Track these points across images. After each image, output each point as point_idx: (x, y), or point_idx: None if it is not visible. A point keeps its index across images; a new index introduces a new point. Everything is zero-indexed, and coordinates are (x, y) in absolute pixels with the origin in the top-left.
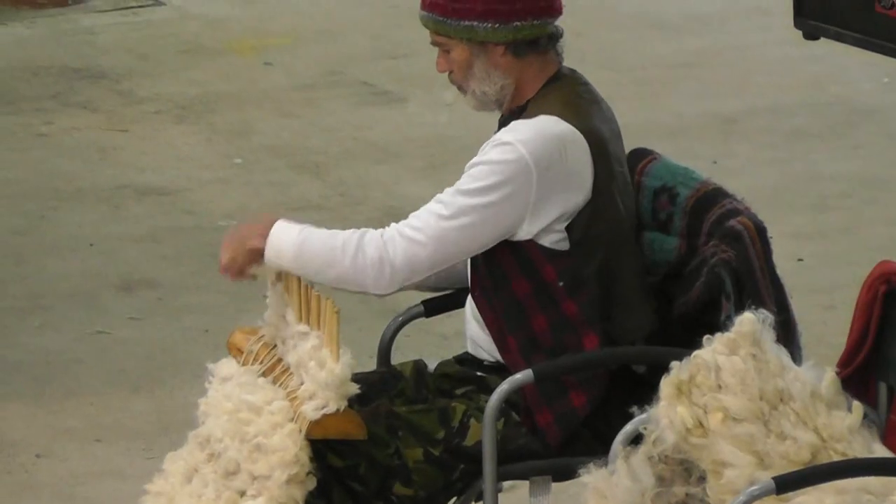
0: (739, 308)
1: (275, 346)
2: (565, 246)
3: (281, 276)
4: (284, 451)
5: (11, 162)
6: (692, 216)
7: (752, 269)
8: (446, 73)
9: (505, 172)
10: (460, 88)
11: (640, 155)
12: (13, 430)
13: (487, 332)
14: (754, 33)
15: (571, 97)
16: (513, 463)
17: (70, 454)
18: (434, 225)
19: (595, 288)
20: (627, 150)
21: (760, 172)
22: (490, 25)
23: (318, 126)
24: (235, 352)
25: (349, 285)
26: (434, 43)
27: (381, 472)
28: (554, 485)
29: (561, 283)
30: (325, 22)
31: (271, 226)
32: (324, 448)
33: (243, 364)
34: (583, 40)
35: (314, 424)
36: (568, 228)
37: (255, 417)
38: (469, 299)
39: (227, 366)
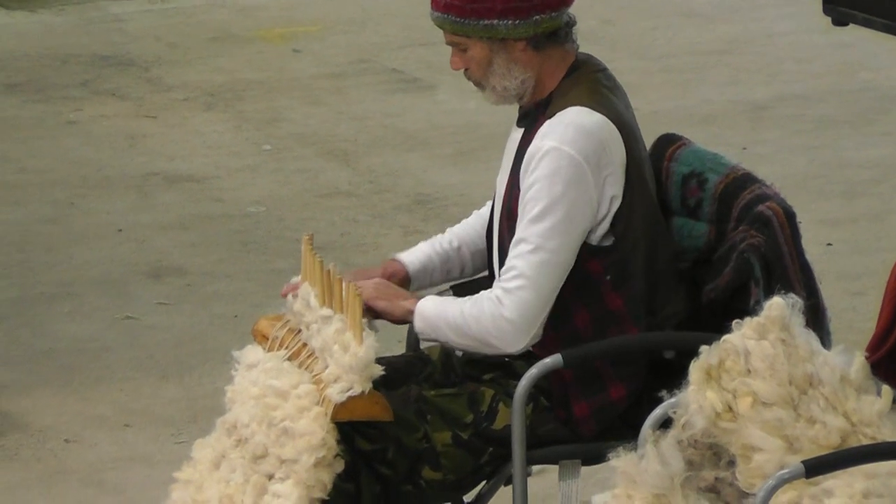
0: (769, 293)
1: (300, 331)
2: (610, 240)
3: (305, 262)
4: (312, 434)
5: (40, 150)
6: (721, 202)
7: (781, 254)
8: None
9: (563, 179)
10: (478, 85)
11: (669, 141)
12: (43, 417)
13: None
14: (783, 21)
15: (594, 85)
16: (541, 447)
17: (99, 440)
18: (526, 264)
19: (641, 280)
20: (656, 136)
21: (790, 159)
22: (510, 22)
23: (347, 113)
24: (261, 338)
25: (483, 350)
26: (450, 43)
27: (410, 457)
28: (583, 469)
29: (608, 277)
30: (354, 10)
31: (414, 298)
32: (351, 432)
33: (269, 350)
34: (613, 28)
35: (340, 407)
36: (612, 221)
37: (281, 402)
38: None
39: (252, 352)
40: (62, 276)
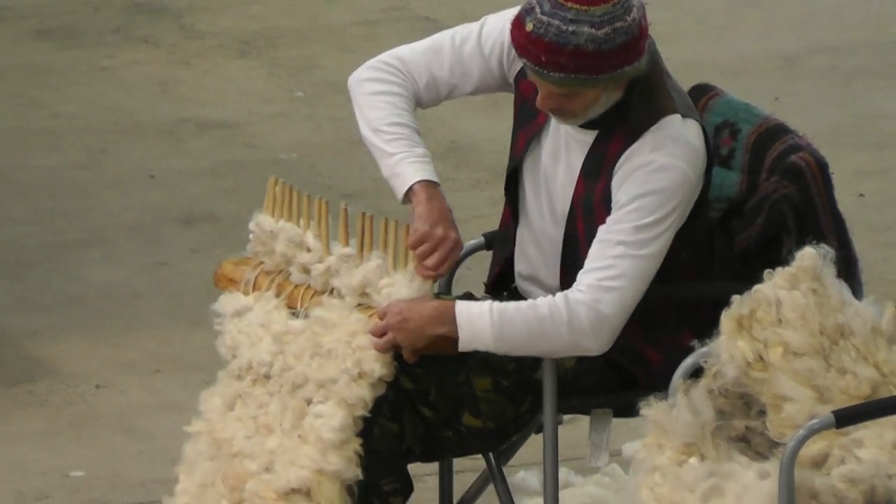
0: (800, 244)
1: (284, 272)
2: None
3: (289, 203)
4: (367, 349)
5: (73, 96)
6: (754, 152)
7: (814, 205)
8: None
9: (677, 194)
10: (566, 115)
11: (702, 91)
12: (74, 362)
13: None
14: None
15: (665, 82)
16: (579, 396)
17: (129, 386)
18: (630, 265)
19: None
20: (689, 86)
21: (822, 111)
22: (637, 63)
23: None
24: (226, 283)
25: (565, 352)
26: (558, 94)
27: (451, 400)
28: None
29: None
30: None
31: (448, 310)
32: (396, 370)
33: (244, 293)
34: None
35: None
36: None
37: (329, 331)
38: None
39: (231, 300)
40: (94, 222)
